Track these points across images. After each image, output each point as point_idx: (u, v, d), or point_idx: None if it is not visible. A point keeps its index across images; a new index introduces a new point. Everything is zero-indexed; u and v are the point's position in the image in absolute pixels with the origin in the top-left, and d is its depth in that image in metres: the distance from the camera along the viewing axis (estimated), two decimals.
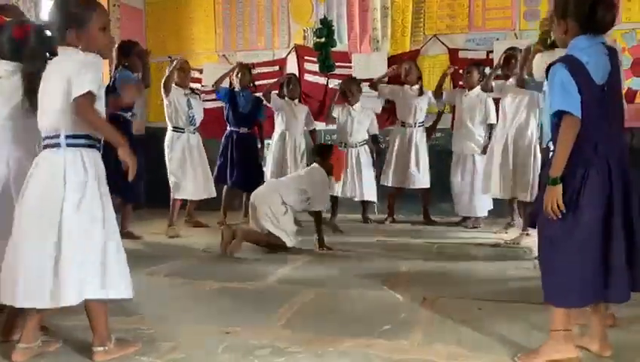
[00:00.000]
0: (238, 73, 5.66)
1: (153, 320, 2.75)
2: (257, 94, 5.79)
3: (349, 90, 5.60)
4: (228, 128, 5.70)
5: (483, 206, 5.37)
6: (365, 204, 5.82)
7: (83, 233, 2.14)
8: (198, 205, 5.62)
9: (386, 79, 5.88)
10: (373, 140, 5.74)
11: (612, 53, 2.11)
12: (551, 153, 2.18)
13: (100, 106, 2.23)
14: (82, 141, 2.19)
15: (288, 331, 2.58)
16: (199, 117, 5.39)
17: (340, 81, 5.87)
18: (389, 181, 5.70)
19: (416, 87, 5.62)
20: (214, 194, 5.49)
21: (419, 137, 5.64)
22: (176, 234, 5.15)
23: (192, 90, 5.48)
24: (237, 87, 5.67)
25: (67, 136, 2.16)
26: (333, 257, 4.23)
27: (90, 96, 2.12)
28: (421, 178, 5.63)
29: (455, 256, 4.23)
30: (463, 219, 5.58)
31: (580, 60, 2.04)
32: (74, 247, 2.12)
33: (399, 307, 2.94)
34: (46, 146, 2.20)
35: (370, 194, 5.69)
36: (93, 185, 2.19)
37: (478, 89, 5.25)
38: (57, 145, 2.16)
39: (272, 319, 2.76)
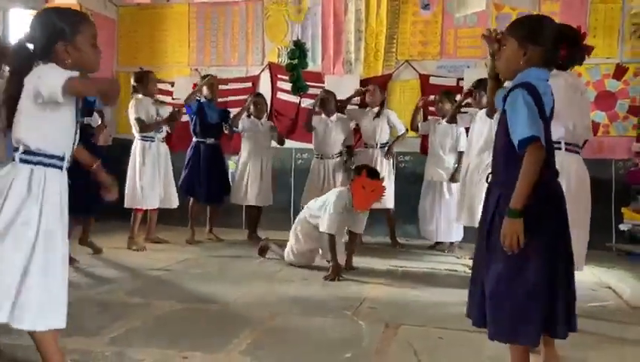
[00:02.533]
0: (210, 85, 5.64)
1: (109, 342, 2.68)
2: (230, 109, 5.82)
3: (328, 100, 5.66)
4: (194, 139, 5.66)
5: (452, 232, 5.42)
6: None
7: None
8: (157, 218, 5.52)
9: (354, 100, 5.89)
10: (349, 152, 5.79)
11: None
12: (486, 185, 2.17)
13: (66, 117, 2.13)
14: (40, 159, 2.10)
15: (248, 358, 2.54)
16: (165, 126, 5.38)
17: (320, 91, 5.90)
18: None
19: (377, 108, 5.69)
20: (176, 205, 5.43)
21: (380, 158, 5.68)
22: (141, 246, 5.09)
23: (157, 100, 5.43)
24: (205, 99, 5.64)
25: (24, 152, 2.09)
26: (296, 281, 4.20)
27: (70, 79, 2.00)
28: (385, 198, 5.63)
29: (419, 281, 4.25)
30: (435, 243, 5.63)
31: (537, 88, 1.98)
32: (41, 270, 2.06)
33: (361, 334, 2.93)
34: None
35: None
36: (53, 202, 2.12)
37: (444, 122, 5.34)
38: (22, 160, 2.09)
39: (233, 344, 2.71)
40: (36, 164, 2.09)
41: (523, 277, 1.99)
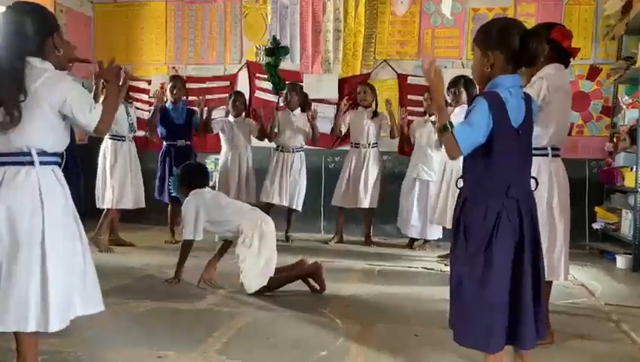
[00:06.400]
0: (173, 87, 5.53)
1: (81, 342, 2.65)
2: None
3: (290, 94, 5.71)
4: (164, 143, 5.58)
5: (433, 231, 5.44)
6: (290, 216, 5.85)
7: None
8: (120, 219, 5.43)
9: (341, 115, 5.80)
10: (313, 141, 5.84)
11: (527, 99, 2.10)
12: (458, 191, 2.16)
13: (65, 128, 2.18)
14: (54, 159, 2.16)
15: (223, 357, 2.53)
16: (135, 125, 5.31)
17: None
18: (342, 202, 5.72)
19: (370, 109, 5.71)
20: (144, 205, 5.33)
21: (372, 158, 5.69)
22: (107, 248, 5.00)
23: (127, 99, 5.30)
24: (169, 101, 5.52)
25: (40, 154, 2.09)
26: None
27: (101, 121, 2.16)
28: (368, 198, 5.64)
29: (395, 279, 4.27)
30: (411, 241, 5.66)
31: (502, 98, 1.99)
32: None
33: (337, 332, 2.93)
34: (9, 163, 2.08)
35: (298, 203, 5.77)
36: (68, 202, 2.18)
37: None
38: (31, 163, 2.07)
39: (208, 343, 2.70)
40: (53, 164, 2.15)
41: (485, 290, 1.99)
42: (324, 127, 6.16)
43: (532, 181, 2.16)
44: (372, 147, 5.70)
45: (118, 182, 5.05)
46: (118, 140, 5.11)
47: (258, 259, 3.65)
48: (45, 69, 2.09)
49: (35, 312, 2.03)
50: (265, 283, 3.63)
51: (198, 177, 4.05)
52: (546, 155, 2.81)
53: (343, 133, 5.82)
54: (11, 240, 2.04)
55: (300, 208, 5.81)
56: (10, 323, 2.03)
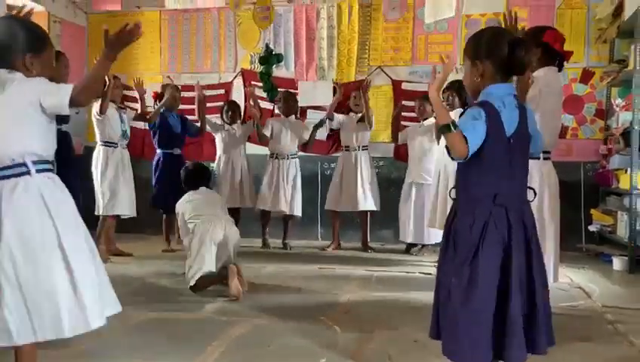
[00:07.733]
0: (171, 94, 5.56)
1: (80, 353, 2.64)
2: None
3: (286, 100, 5.80)
4: (159, 151, 5.57)
5: (431, 235, 5.43)
6: (287, 223, 5.87)
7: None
8: (116, 228, 5.42)
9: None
10: (304, 146, 5.92)
11: (521, 107, 2.08)
12: (453, 200, 2.12)
13: (52, 131, 2.15)
14: (48, 166, 2.13)
15: None
16: (129, 132, 5.32)
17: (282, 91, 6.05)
18: (335, 205, 5.74)
19: (360, 114, 5.73)
20: (135, 214, 5.33)
21: (364, 160, 5.72)
22: (104, 258, 4.96)
23: (120, 106, 5.34)
24: (166, 109, 5.54)
25: (35, 162, 2.06)
26: (272, 287, 4.19)
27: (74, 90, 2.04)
28: (367, 200, 5.66)
29: (393, 285, 4.27)
30: (408, 247, 5.66)
31: (496, 109, 1.96)
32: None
33: (336, 339, 2.93)
34: (4, 177, 2.04)
35: (297, 208, 5.81)
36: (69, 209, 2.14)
37: (432, 118, 5.35)
38: (27, 173, 2.04)
39: (206, 353, 2.70)
40: (47, 171, 2.11)
41: (471, 301, 1.95)
42: (319, 134, 6.18)
43: (530, 192, 2.11)
44: (362, 149, 5.74)
45: (109, 189, 5.02)
46: (110, 146, 5.10)
47: (198, 257, 3.83)
48: (14, 78, 2.06)
49: (69, 316, 2.00)
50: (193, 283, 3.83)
51: (191, 180, 4.27)
52: (537, 158, 2.81)
53: (333, 117, 5.84)
54: (26, 253, 1.99)
55: (300, 213, 5.84)
56: (47, 333, 2.01)
